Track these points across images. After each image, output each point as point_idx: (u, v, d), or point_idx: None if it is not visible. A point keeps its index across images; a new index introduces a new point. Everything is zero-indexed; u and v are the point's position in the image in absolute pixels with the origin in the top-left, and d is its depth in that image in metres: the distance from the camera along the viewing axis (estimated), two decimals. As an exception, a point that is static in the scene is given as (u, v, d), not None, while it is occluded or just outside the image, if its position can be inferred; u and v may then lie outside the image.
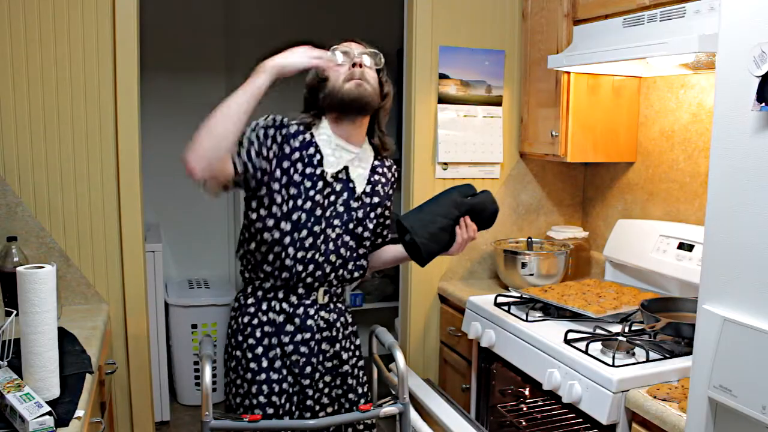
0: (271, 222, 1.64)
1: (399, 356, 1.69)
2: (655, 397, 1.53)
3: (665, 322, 1.77)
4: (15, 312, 1.49)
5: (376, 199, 1.77)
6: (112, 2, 2.12)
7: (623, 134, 2.47)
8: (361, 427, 1.85)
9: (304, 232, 1.65)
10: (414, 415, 1.91)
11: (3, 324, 1.56)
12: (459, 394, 2.46)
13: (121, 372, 2.27)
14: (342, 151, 1.70)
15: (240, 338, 1.71)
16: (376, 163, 1.80)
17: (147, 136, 3.08)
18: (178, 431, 3.19)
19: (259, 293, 1.72)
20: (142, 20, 2.26)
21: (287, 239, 1.64)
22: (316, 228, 1.66)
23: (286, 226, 1.64)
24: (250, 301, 1.72)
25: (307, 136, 1.68)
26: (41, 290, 1.41)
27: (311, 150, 1.67)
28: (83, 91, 2.14)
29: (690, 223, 2.24)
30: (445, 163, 2.60)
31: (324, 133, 1.69)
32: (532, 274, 2.42)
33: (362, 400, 1.81)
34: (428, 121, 2.56)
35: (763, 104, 1.13)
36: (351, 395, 1.79)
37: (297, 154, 1.65)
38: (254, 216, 1.67)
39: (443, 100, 2.56)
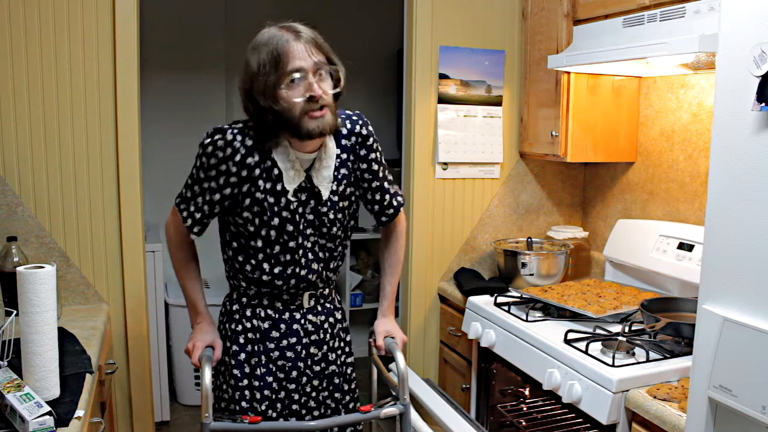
0: (242, 240, 1.62)
1: (399, 356, 1.68)
2: (655, 397, 1.54)
3: (665, 322, 1.77)
4: (15, 312, 1.49)
5: (345, 189, 1.66)
6: (112, 2, 2.12)
7: (623, 134, 2.47)
8: (360, 427, 1.84)
9: (277, 248, 1.60)
10: (414, 415, 1.90)
11: (3, 324, 1.57)
12: (459, 394, 2.46)
13: (121, 372, 2.27)
14: (301, 161, 1.59)
15: (227, 344, 1.68)
16: (339, 144, 1.65)
17: (147, 135, 3.08)
18: (178, 431, 3.19)
19: (244, 299, 1.68)
20: (142, 20, 2.27)
21: (261, 255, 1.61)
22: (292, 243, 1.61)
23: (257, 243, 1.60)
24: (235, 307, 1.69)
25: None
26: (41, 290, 1.41)
27: (268, 163, 1.56)
28: (83, 91, 2.14)
29: (690, 223, 2.24)
30: (445, 163, 2.60)
31: (280, 144, 1.56)
32: (532, 274, 2.42)
33: (347, 397, 1.78)
34: (428, 121, 2.56)
35: (763, 104, 1.13)
36: (337, 394, 1.76)
37: (256, 171, 1.55)
38: (227, 235, 1.66)
39: (443, 100, 2.56)
